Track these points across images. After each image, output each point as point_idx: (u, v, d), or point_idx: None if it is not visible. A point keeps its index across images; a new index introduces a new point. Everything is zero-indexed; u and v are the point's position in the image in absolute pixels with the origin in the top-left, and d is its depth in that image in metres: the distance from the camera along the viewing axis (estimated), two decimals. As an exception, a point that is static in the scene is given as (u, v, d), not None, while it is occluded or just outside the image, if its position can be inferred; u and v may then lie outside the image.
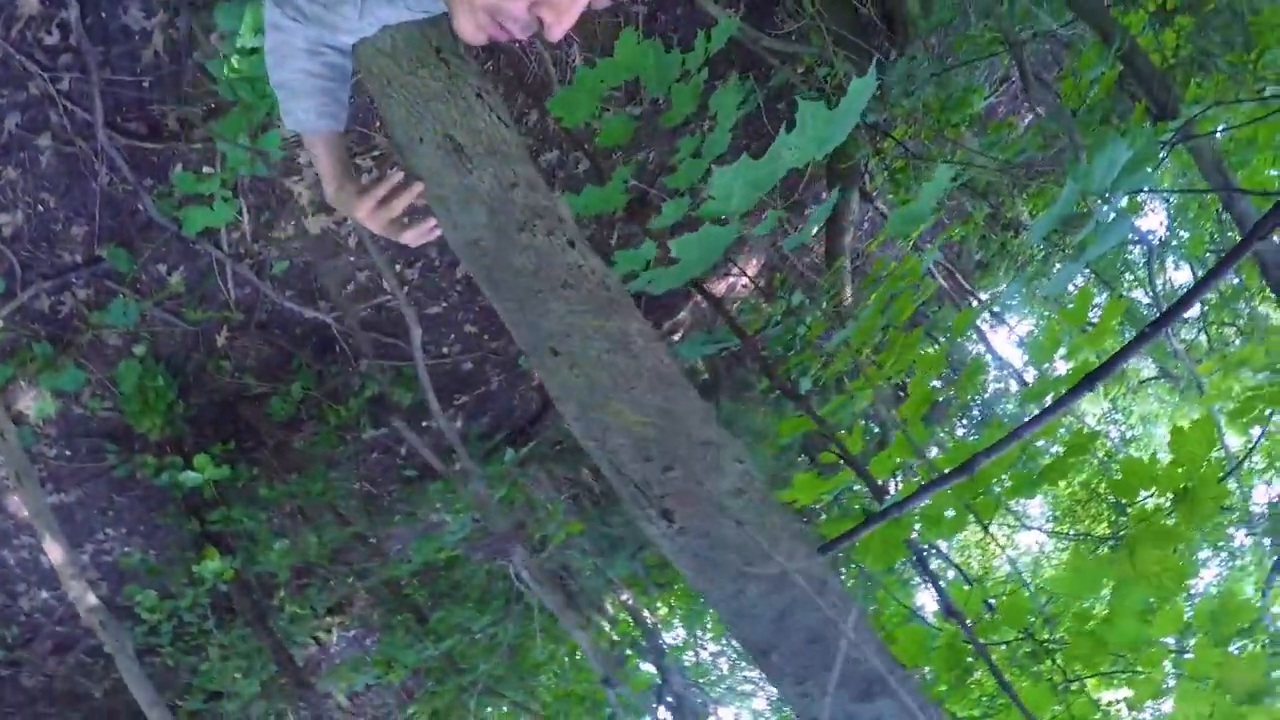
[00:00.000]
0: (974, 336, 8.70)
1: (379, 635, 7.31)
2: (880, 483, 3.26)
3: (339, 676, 6.96)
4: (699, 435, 1.47)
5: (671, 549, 1.47)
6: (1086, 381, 1.76)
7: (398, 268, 5.71)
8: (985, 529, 2.81)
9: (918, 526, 2.95)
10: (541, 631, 6.25)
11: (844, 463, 2.96)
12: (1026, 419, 2.03)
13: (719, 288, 7.94)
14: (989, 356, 8.70)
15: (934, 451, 6.81)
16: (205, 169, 4.72)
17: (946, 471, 1.52)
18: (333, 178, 1.81)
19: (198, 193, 4.70)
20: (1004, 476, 3.08)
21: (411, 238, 1.86)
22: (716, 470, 1.45)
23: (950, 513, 2.94)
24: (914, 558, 2.65)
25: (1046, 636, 3.23)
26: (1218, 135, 4.22)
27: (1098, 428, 11.24)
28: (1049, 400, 2.76)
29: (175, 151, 4.68)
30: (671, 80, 2.62)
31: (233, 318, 5.47)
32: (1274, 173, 4.72)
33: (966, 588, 3.45)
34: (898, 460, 3.34)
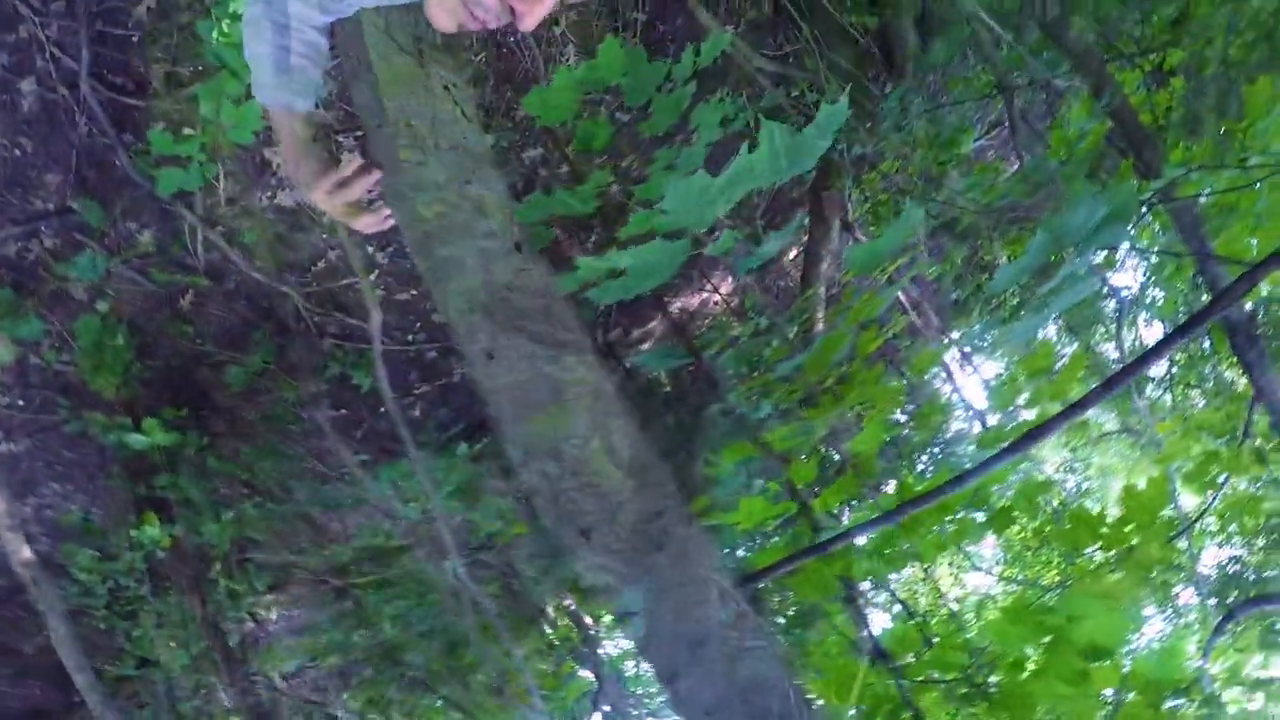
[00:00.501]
0: (943, 376, 8.71)
1: (317, 617, 7.24)
2: (833, 512, 3.24)
3: (273, 656, 6.88)
4: (625, 454, 1.43)
5: (587, 567, 1.44)
6: (1031, 435, 1.75)
7: (369, 250, 5.66)
8: (925, 570, 2.80)
9: (865, 562, 2.94)
10: (479, 630, 6.20)
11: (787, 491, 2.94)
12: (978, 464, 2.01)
13: (691, 303, 7.90)
14: (955, 397, 8.70)
15: (892, 485, 6.80)
16: (186, 130, 4.67)
17: (875, 516, 1.50)
18: (294, 155, 1.78)
19: (175, 154, 4.66)
20: (952, 519, 3.08)
21: (365, 224, 1.83)
22: (638, 491, 1.42)
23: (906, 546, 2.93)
24: (846, 594, 2.63)
25: (982, 680, 3.23)
26: (1199, 199, 4.25)
27: (1055, 476, 11.28)
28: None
29: (157, 110, 4.62)
30: (653, 90, 2.60)
31: (199, 283, 5.40)
32: (1252, 241, 4.74)
33: (908, 623, 3.44)
34: (849, 493, 3.33)
